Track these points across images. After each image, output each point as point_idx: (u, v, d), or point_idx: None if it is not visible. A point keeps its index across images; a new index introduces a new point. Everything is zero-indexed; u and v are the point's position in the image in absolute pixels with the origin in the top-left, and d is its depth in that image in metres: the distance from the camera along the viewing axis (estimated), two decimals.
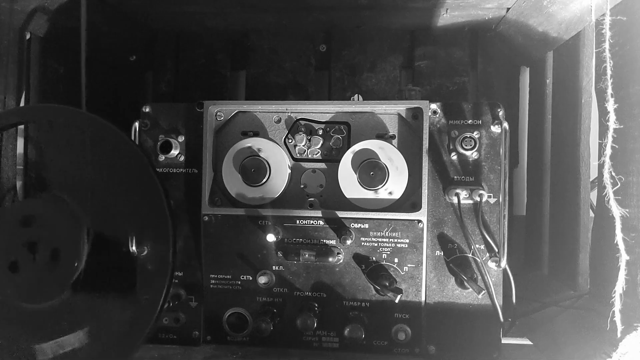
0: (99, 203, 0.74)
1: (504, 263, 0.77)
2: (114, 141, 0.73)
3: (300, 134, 0.84)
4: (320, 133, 0.84)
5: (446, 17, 1.11)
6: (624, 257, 0.61)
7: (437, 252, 0.80)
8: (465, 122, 0.80)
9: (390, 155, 0.80)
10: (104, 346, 0.71)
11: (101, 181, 0.75)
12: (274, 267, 0.83)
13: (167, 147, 0.84)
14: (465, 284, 0.77)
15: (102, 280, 0.73)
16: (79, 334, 0.71)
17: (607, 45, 0.62)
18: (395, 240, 0.80)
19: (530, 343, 0.86)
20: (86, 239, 0.71)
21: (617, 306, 0.61)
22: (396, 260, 0.80)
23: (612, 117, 0.62)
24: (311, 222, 0.82)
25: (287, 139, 0.85)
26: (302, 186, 0.84)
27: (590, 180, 0.92)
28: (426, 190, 0.79)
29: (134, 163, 0.72)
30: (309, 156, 0.85)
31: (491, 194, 0.79)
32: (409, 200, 0.81)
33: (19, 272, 0.71)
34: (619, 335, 0.62)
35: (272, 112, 0.85)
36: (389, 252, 0.80)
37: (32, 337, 0.72)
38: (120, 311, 0.72)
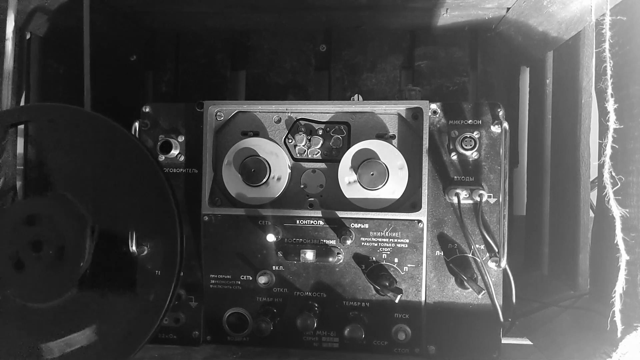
0: (103, 201, 0.74)
1: (504, 263, 0.77)
2: (118, 139, 0.73)
3: (300, 134, 0.84)
4: (320, 133, 0.84)
5: (446, 17, 1.11)
6: (624, 257, 0.61)
7: (437, 252, 0.80)
8: (465, 122, 0.80)
9: (390, 155, 0.80)
10: (109, 345, 0.71)
11: (105, 180, 0.75)
12: (274, 267, 0.83)
13: (167, 147, 0.84)
14: (465, 284, 0.77)
15: (107, 278, 0.73)
16: (87, 331, 0.71)
17: (607, 45, 0.62)
18: (395, 240, 0.80)
19: (530, 343, 0.86)
20: (91, 236, 0.71)
21: (617, 306, 0.61)
22: (396, 260, 0.80)
23: (612, 117, 0.62)
24: (311, 222, 0.82)
25: (287, 139, 0.85)
26: (302, 186, 0.84)
27: (590, 180, 0.92)
28: (426, 190, 0.79)
29: (139, 160, 0.72)
30: (309, 156, 0.85)
31: (491, 194, 0.79)
32: (409, 200, 0.81)
33: (25, 270, 0.71)
34: (619, 335, 0.62)
35: (272, 112, 0.85)
36: (389, 252, 0.80)
37: (39, 335, 0.72)
38: (126, 309, 0.72)
